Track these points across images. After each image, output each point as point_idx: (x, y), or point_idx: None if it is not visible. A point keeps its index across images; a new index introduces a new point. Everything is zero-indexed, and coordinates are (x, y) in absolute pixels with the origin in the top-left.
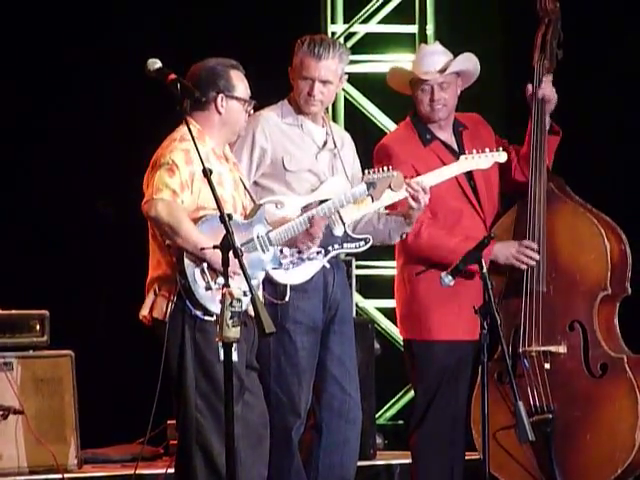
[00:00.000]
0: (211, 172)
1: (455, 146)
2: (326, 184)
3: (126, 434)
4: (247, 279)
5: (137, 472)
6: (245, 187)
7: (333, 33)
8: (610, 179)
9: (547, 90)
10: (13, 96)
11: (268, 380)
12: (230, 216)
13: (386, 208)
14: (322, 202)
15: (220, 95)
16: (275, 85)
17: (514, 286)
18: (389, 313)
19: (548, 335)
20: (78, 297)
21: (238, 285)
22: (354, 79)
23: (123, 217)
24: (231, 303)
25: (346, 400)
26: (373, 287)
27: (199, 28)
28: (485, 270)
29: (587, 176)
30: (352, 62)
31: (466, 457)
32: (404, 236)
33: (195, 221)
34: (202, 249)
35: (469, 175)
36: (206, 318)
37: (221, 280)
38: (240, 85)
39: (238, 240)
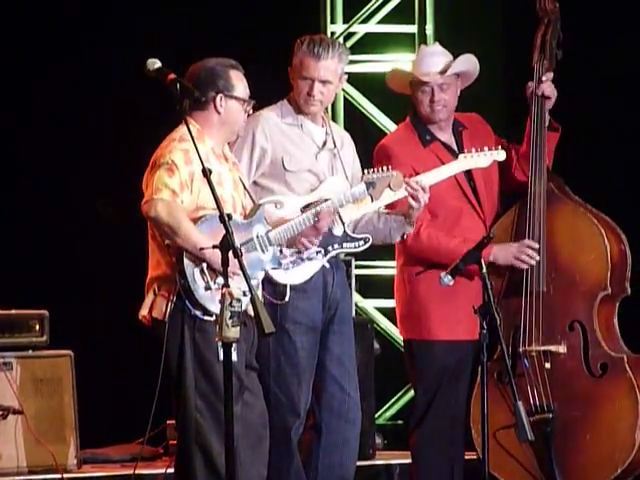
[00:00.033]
0: (210, 172)
1: (455, 146)
2: (325, 184)
3: (125, 434)
4: (246, 279)
5: (136, 472)
6: (245, 187)
7: (333, 33)
8: (610, 179)
9: (547, 88)
10: (13, 96)
11: (267, 380)
12: (230, 216)
13: (386, 207)
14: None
15: (219, 95)
16: (275, 85)
17: (514, 286)
18: (388, 313)
19: (548, 335)
20: (78, 297)
21: (238, 285)
22: (354, 79)
23: (123, 217)
24: (231, 303)
25: (345, 400)
26: (372, 287)
27: (199, 28)
28: (485, 270)
29: (587, 176)
30: (351, 62)
31: (465, 457)
32: (405, 236)
33: (195, 221)
34: (201, 249)
35: (469, 175)
36: (206, 318)
37: (221, 280)
38: (239, 85)
39: (237, 240)
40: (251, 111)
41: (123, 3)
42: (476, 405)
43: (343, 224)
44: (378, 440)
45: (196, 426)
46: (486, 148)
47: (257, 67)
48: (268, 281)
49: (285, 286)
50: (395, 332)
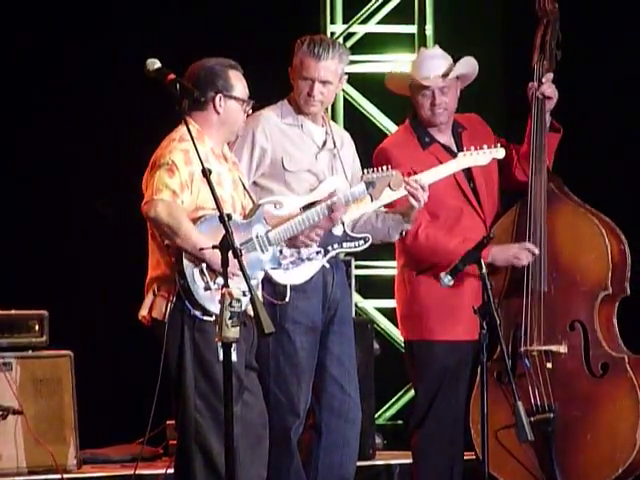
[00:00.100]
0: (210, 172)
1: (454, 148)
2: (325, 183)
3: (125, 434)
4: (246, 279)
5: (136, 472)
6: (244, 187)
7: (332, 33)
8: (610, 179)
9: (548, 89)
10: (13, 96)
11: (267, 380)
12: (229, 216)
13: (385, 206)
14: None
15: (218, 95)
16: (275, 85)
17: (515, 286)
18: (388, 313)
19: (549, 335)
20: (77, 297)
21: (237, 285)
22: (353, 79)
23: (123, 217)
24: (230, 303)
25: (345, 400)
26: (372, 287)
27: (199, 28)
28: (484, 270)
29: (587, 176)
30: (351, 62)
31: (465, 457)
32: (404, 233)
33: (194, 221)
34: (201, 249)
35: (469, 175)
36: (205, 318)
37: (220, 280)
38: (238, 85)
39: (237, 240)
40: (250, 111)
41: (123, 3)
42: (476, 405)
43: (343, 224)
44: (378, 440)
45: (196, 426)
46: (485, 146)
47: (257, 67)
48: (268, 281)
49: (285, 286)
50: (395, 332)
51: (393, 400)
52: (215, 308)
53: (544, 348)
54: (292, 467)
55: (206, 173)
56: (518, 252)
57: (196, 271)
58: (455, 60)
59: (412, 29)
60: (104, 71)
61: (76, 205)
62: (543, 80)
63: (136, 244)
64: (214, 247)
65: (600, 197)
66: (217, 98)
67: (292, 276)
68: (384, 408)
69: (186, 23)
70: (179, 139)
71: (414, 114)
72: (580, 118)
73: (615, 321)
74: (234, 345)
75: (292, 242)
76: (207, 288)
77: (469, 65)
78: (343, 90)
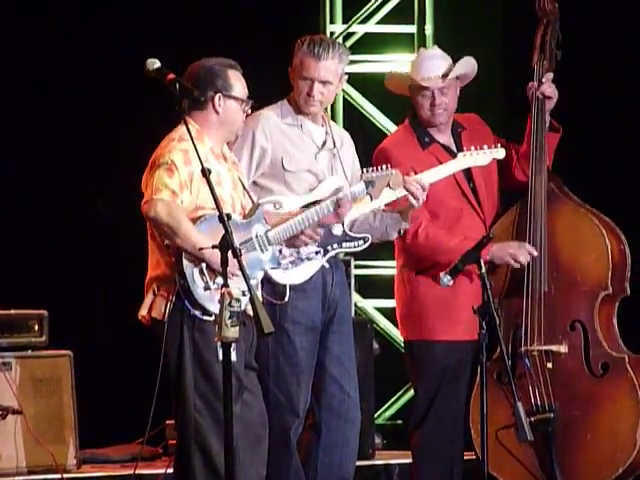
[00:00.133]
0: (210, 172)
1: (454, 147)
2: (324, 183)
3: (125, 434)
4: (246, 279)
5: (136, 472)
6: (244, 187)
7: (332, 33)
8: (610, 179)
9: (548, 89)
10: (13, 96)
11: (267, 380)
12: (229, 216)
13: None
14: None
15: (218, 95)
16: (275, 85)
17: (515, 286)
18: (388, 313)
19: (549, 335)
20: (77, 297)
21: (237, 285)
22: (353, 79)
23: (122, 217)
24: (230, 303)
25: (345, 400)
26: (372, 287)
27: (199, 28)
28: (484, 270)
29: (587, 176)
30: (351, 62)
31: (465, 457)
32: (402, 232)
33: (194, 221)
34: (201, 249)
35: (468, 176)
36: (205, 318)
37: (220, 280)
38: (238, 85)
39: (237, 240)
40: (250, 111)
41: (123, 3)
42: (476, 405)
43: (342, 224)
44: (377, 440)
45: (195, 426)
46: (485, 146)
47: (257, 67)
48: (267, 281)
49: (284, 286)
50: (395, 332)
51: (393, 400)
52: (215, 308)
53: (544, 348)
54: (291, 467)
55: (206, 173)
56: (516, 250)
57: (196, 271)
58: (454, 60)
59: (412, 29)
60: (104, 71)
61: (76, 205)
62: (543, 80)
63: (136, 244)
64: (214, 247)
65: (600, 197)
66: (216, 98)
67: (291, 276)
68: (384, 408)
69: (186, 23)
70: (178, 139)
71: (414, 114)
72: (580, 118)
73: (615, 321)
74: (233, 345)
75: (292, 241)
76: (207, 288)
77: (468, 65)
78: (343, 90)
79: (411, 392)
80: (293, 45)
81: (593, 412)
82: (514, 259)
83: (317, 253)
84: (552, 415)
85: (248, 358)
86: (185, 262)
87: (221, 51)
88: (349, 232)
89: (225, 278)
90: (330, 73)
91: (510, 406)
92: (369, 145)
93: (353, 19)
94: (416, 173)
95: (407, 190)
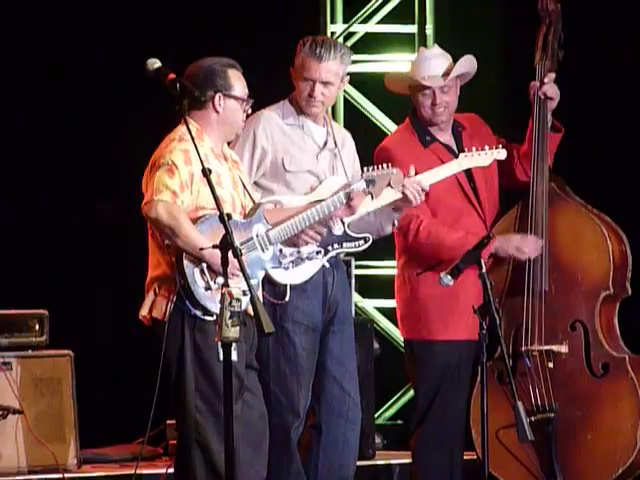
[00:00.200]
0: (210, 172)
1: (455, 147)
2: (325, 183)
3: (125, 434)
4: (246, 278)
5: (136, 472)
6: (244, 186)
7: (332, 33)
8: (610, 179)
9: (550, 89)
10: (13, 96)
11: (267, 380)
12: (229, 215)
13: None
14: (320, 201)
15: (218, 94)
16: (275, 85)
17: (516, 285)
18: (388, 313)
19: (550, 334)
20: (77, 297)
21: (237, 285)
22: (354, 79)
23: (123, 217)
24: (230, 303)
25: (345, 400)
26: (372, 287)
27: (199, 28)
28: (484, 270)
29: (588, 176)
30: (351, 62)
31: (465, 457)
32: (396, 223)
33: (194, 221)
34: (201, 249)
35: (469, 175)
36: (206, 318)
37: (220, 280)
38: (238, 84)
39: (237, 239)
40: (250, 110)
41: (123, 3)
42: (476, 405)
43: (343, 223)
44: (378, 440)
45: (196, 426)
46: (487, 147)
47: (257, 67)
48: (268, 281)
49: (285, 286)
50: (395, 332)
51: (393, 400)
52: (215, 308)
53: (545, 348)
54: (292, 467)
55: (206, 173)
56: (521, 242)
57: (196, 271)
58: (454, 58)
59: (412, 29)
60: (104, 71)
61: (76, 205)
62: (545, 80)
63: (136, 244)
64: (214, 247)
65: (600, 197)
66: (216, 97)
67: (292, 276)
68: (384, 408)
69: (186, 23)
70: (179, 139)
71: (414, 113)
72: (580, 118)
73: (616, 321)
74: (234, 345)
75: (293, 240)
76: (207, 288)
77: (469, 63)
78: (344, 90)
79: (411, 392)
80: (293, 45)
81: (594, 412)
82: (519, 250)
83: (318, 253)
84: (552, 415)
85: (249, 358)
86: (186, 262)
87: (221, 51)
88: (349, 232)
89: (226, 278)
90: (332, 74)
91: (510, 406)
92: (370, 145)
93: (354, 19)
94: (417, 172)
95: (406, 192)
